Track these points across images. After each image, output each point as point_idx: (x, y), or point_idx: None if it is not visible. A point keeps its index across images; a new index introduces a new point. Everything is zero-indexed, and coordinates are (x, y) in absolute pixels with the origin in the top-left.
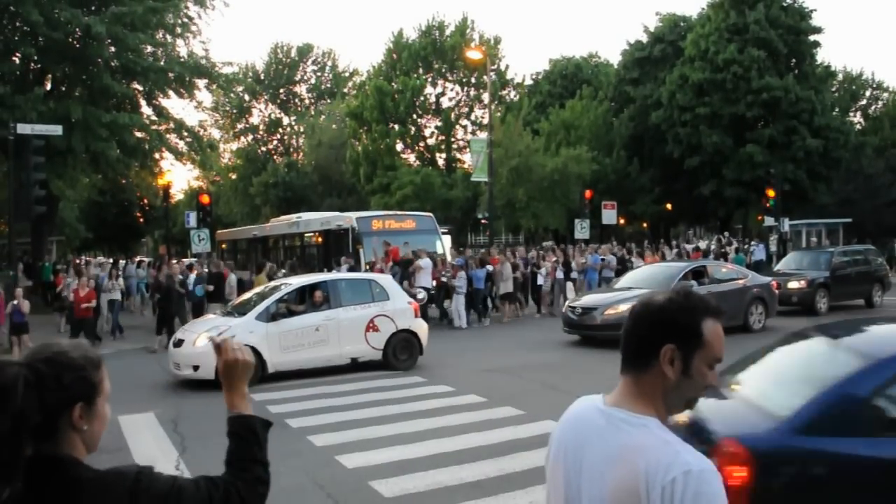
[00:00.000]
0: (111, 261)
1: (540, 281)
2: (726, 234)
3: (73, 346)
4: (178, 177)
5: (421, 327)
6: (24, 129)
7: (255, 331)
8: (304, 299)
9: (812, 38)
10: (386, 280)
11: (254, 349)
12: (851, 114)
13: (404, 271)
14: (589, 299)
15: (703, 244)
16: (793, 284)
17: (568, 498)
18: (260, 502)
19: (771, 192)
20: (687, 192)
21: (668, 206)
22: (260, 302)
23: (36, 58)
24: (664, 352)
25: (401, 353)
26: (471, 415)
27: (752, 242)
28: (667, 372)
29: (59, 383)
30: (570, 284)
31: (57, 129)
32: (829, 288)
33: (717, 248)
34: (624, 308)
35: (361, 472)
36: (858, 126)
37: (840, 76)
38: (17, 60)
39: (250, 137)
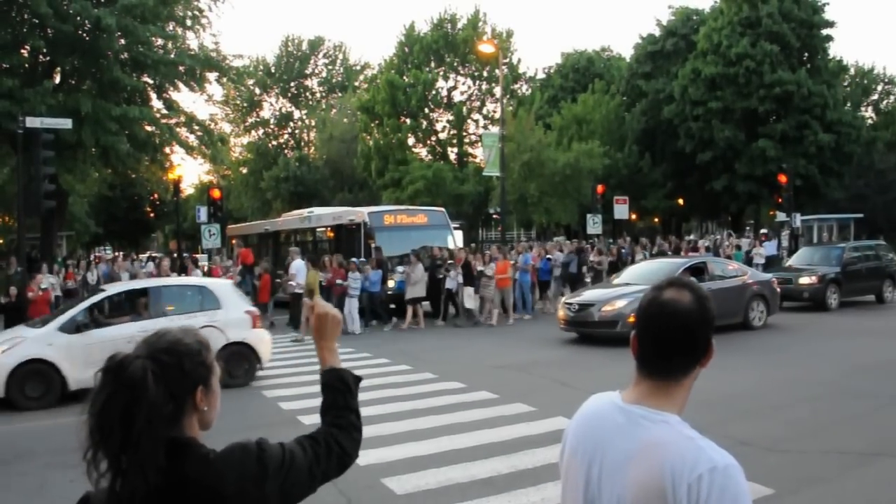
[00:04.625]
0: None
1: (449, 284)
2: (729, 231)
3: (184, 332)
4: (189, 171)
5: (259, 338)
6: (33, 122)
7: (54, 343)
8: (125, 307)
9: (825, 32)
10: (219, 286)
11: (51, 364)
12: (863, 108)
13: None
14: (586, 295)
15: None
16: (804, 280)
17: (587, 494)
18: (356, 447)
19: (783, 178)
20: (699, 187)
21: (680, 201)
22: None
23: (45, 50)
24: (711, 346)
25: (234, 368)
26: (482, 411)
27: (769, 232)
28: (706, 365)
29: (182, 370)
30: (469, 290)
31: (66, 123)
32: (840, 284)
33: (718, 243)
34: (621, 304)
35: (373, 469)
36: (870, 121)
37: (852, 70)
38: (26, 53)
39: (261, 131)
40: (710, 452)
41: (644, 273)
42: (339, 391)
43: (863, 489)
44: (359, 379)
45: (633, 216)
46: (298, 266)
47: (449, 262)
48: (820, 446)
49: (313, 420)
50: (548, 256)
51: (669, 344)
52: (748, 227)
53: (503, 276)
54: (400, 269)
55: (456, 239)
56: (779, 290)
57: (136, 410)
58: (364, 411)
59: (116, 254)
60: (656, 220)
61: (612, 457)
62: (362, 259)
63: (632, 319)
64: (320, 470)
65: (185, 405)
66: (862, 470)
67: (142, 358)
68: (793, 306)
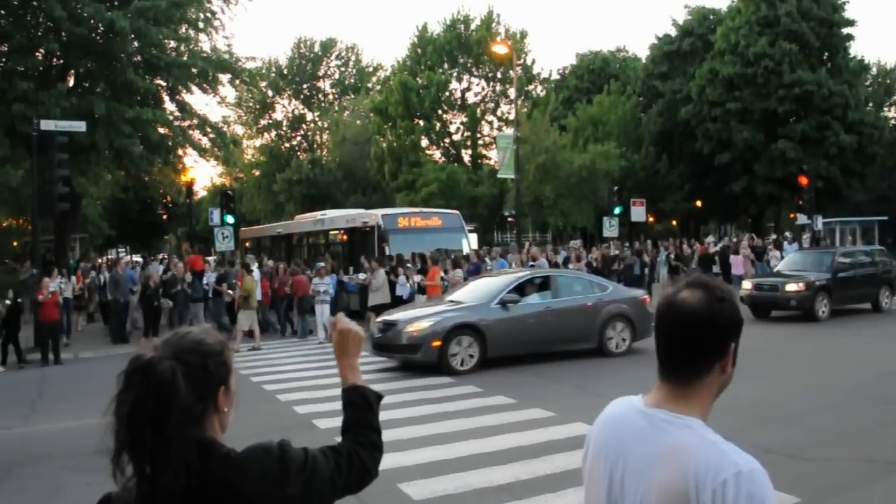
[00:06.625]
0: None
1: (399, 291)
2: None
3: (204, 331)
4: (202, 174)
5: None
6: (47, 125)
7: None
8: None
9: (845, 30)
10: None
11: None
12: (886, 108)
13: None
14: (397, 314)
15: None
16: (790, 287)
17: (610, 499)
18: (376, 466)
19: (804, 180)
20: (717, 189)
21: (698, 203)
22: None
23: (59, 53)
24: (730, 350)
25: None
26: (500, 416)
27: (790, 235)
28: (727, 369)
29: (207, 371)
30: (422, 298)
31: (80, 126)
32: (831, 291)
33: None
34: (426, 325)
35: (390, 474)
36: (893, 121)
37: (874, 70)
38: (41, 56)
39: (273, 133)
40: (734, 457)
41: (475, 289)
42: (362, 409)
43: (891, 499)
44: (380, 397)
45: (651, 219)
46: (254, 273)
47: (408, 266)
48: (846, 454)
49: (328, 424)
50: (531, 263)
51: (677, 345)
52: (784, 232)
53: (431, 284)
54: (361, 276)
55: (470, 242)
56: (651, 309)
57: (167, 412)
58: (380, 415)
59: (119, 257)
60: (674, 222)
61: (635, 461)
62: (321, 264)
63: (437, 343)
64: (341, 481)
65: (208, 406)
66: (891, 479)
67: (168, 359)
68: (780, 315)
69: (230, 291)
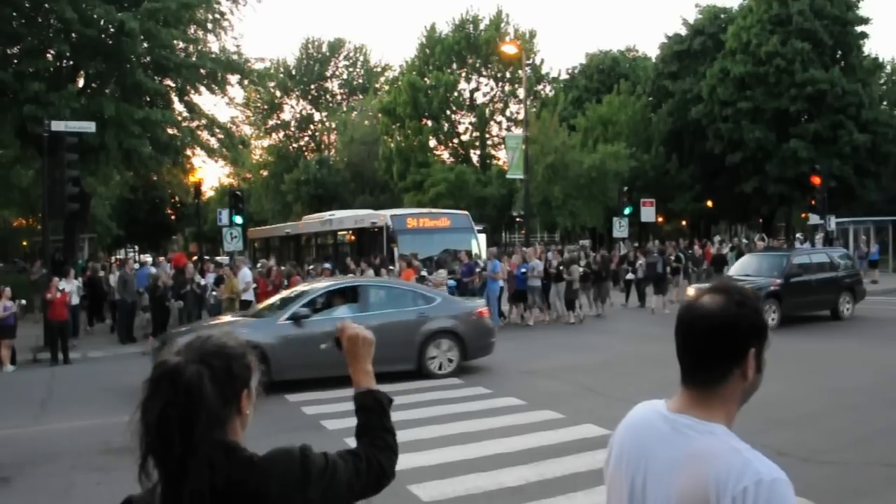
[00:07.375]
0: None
1: None
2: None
3: (226, 334)
4: (210, 174)
5: None
6: (58, 126)
7: None
8: None
9: (859, 28)
10: None
11: None
12: None
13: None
14: (176, 330)
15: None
16: None
17: (631, 503)
18: (393, 468)
19: (817, 180)
20: (728, 189)
21: (709, 203)
22: None
23: (69, 55)
24: (751, 356)
25: None
26: (510, 417)
27: (798, 235)
28: (749, 375)
29: (231, 374)
30: None
31: (90, 126)
32: (781, 298)
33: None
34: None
35: (399, 476)
36: None
37: (888, 68)
38: (51, 57)
39: (281, 134)
40: (756, 465)
41: (275, 302)
42: (375, 412)
43: None
44: (391, 400)
45: (661, 219)
46: (245, 275)
47: (391, 268)
48: (862, 458)
49: (336, 425)
50: (523, 269)
51: (694, 350)
52: (796, 233)
53: None
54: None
55: (480, 242)
56: (493, 325)
57: (195, 417)
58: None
59: (128, 257)
60: (684, 222)
61: (657, 466)
62: (327, 265)
63: None
64: (359, 485)
65: (232, 409)
66: None
67: (195, 363)
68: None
69: (215, 293)
